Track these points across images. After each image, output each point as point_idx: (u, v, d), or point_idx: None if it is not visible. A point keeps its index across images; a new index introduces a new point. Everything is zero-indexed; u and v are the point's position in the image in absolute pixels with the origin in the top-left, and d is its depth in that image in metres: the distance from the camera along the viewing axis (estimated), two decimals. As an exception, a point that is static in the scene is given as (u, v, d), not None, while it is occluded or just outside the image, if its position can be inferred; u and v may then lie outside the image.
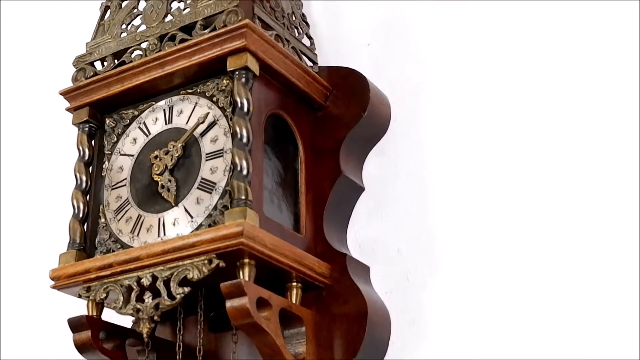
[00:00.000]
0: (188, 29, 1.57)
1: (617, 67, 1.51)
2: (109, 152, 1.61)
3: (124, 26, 1.65)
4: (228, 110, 1.50)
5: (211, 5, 1.55)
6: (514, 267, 1.49)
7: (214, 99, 1.53)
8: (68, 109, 1.65)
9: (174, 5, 1.61)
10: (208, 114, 1.51)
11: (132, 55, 1.61)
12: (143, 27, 1.63)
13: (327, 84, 1.64)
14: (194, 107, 1.55)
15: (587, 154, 1.49)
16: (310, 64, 1.66)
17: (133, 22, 1.65)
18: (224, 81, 1.52)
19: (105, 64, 1.64)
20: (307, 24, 1.70)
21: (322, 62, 1.70)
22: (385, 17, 1.75)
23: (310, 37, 1.69)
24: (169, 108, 1.58)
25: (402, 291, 1.56)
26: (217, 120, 1.51)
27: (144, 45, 1.61)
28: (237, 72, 1.48)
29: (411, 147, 1.64)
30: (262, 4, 1.57)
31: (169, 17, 1.60)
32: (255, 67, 1.49)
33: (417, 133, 1.65)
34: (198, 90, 1.55)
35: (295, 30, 1.65)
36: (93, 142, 1.64)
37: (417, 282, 1.56)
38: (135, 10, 1.66)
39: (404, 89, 1.68)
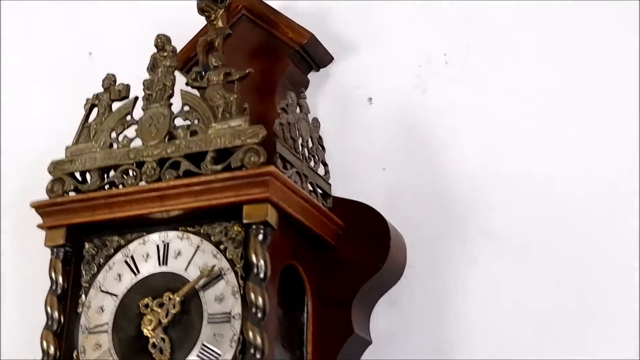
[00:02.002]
0: (195, 157, 1.35)
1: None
2: (87, 285, 1.39)
3: (113, 134, 1.42)
4: (238, 265, 1.30)
5: (225, 136, 1.33)
6: None
7: (221, 246, 1.32)
8: (40, 226, 1.42)
9: (178, 121, 1.39)
10: (214, 267, 1.31)
11: (123, 175, 1.39)
12: (138, 142, 1.40)
13: (340, 222, 1.45)
14: (195, 251, 1.34)
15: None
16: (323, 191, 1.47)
17: (126, 133, 1.42)
18: (235, 228, 1.32)
19: (89, 178, 1.41)
20: (322, 147, 1.50)
21: (333, 182, 1.51)
22: (403, 141, 1.57)
23: (325, 164, 1.49)
24: (164, 245, 1.36)
25: None
26: (224, 274, 1.31)
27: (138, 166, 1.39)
28: (254, 226, 1.28)
29: (425, 300, 1.48)
30: (283, 136, 1.37)
31: (171, 137, 1.38)
32: (275, 220, 1.29)
33: (434, 283, 1.48)
34: (201, 231, 1.34)
35: (312, 159, 1.45)
36: (67, 267, 1.41)
37: None
38: (129, 118, 1.43)
39: (422, 230, 1.51)
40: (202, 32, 1.64)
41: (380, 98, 1.61)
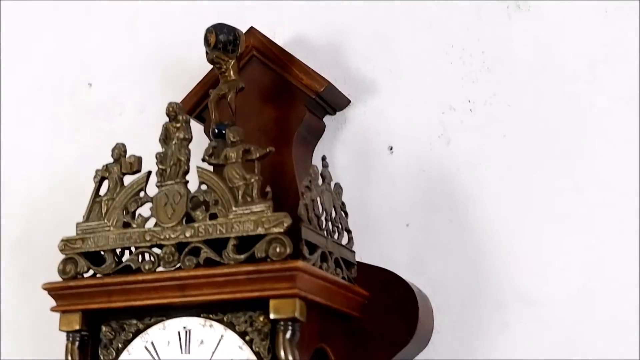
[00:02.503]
0: (215, 243, 1.28)
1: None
2: (107, 370, 1.34)
3: (128, 214, 1.35)
4: (266, 359, 1.25)
5: (248, 223, 1.26)
6: None
7: (247, 337, 1.26)
8: (54, 309, 1.36)
9: (195, 201, 1.32)
10: (242, 364, 1.25)
11: (139, 259, 1.32)
12: (153, 221, 1.33)
13: (365, 292, 1.39)
14: (220, 340, 1.28)
15: None
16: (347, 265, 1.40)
17: (140, 210, 1.35)
18: (260, 319, 1.26)
19: (106, 261, 1.34)
20: (345, 213, 1.43)
21: (354, 237, 1.44)
22: (427, 194, 1.50)
23: (348, 231, 1.42)
24: (186, 332, 1.30)
25: None
26: (250, 368, 1.25)
27: (155, 249, 1.32)
28: (281, 322, 1.22)
29: (455, 372, 1.43)
30: (307, 217, 1.29)
31: (189, 219, 1.30)
32: (303, 314, 1.23)
33: (462, 349, 1.44)
34: (225, 319, 1.28)
35: (336, 229, 1.39)
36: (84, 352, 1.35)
37: None
38: (142, 194, 1.35)
39: (450, 291, 1.46)
40: (211, 76, 1.55)
41: (402, 147, 1.54)
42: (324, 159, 1.39)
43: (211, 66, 1.50)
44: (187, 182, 1.33)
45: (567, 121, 1.45)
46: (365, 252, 1.47)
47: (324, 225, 1.34)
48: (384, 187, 1.53)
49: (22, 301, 1.78)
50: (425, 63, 1.55)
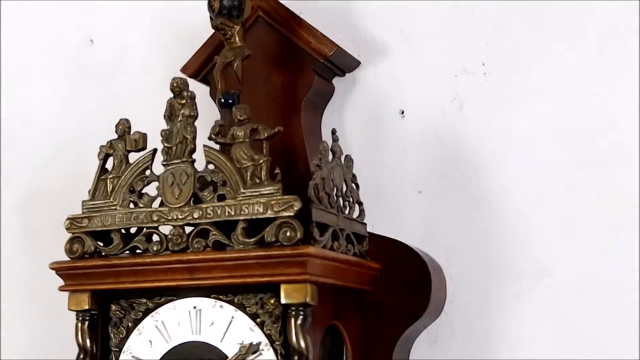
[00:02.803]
0: (225, 226, 1.26)
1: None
2: (117, 349, 1.33)
3: (134, 193, 1.32)
4: (277, 342, 1.23)
5: (257, 205, 1.23)
6: None
7: (258, 320, 1.25)
8: (62, 289, 1.34)
9: (202, 181, 1.28)
10: (252, 344, 1.24)
11: (147, 239, 1.30)
12: (159, 201, 1.30)
13: (377, 265, 1.37)
14: (230, 321, 1.26)
15: None
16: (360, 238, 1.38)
17: (146, 189, 1.32)
18: (272, 301, 1.24)
19: (113, 241, 1.32)
20: (357, 185, 1.39)
21: (365, 205, 1.41)
22: (440, 161, 1.47)
23: (360, 203, 1.39)
24: (197, 312, 1.29)
25: None
26: (262, 350, 1.24)
27: (163, 228, 1.29)
28: (293, 308, 1.20)
29: (466, 339, 1.42)
30: (318, 197, 1.26)
31: (197, 200, 1.28)
32: (314, 298, 1.21)
33: (476, 320, 1.42)
34: (235, 300, 1.26)
35: (347, 203, 1.36)
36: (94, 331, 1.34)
37: None
38: (149, 173, 1.32)
39: (463, 262, 1.43)
40: (216, 37, 1.50)
41: (413, 111, 1.50)
42: (334, 132, 1.35)
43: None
44: (194, 161, 1.29)
45: (587, 89, 1.40)
46: (377, 221, 1.45)
47: (335, 202, 1.31)
48: (395, 153, 1.50)
49: (24, 261, 1.77)
50: (437, 24, 1.50)
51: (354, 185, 1.39)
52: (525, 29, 1.44)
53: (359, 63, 1.53)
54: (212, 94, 1.54)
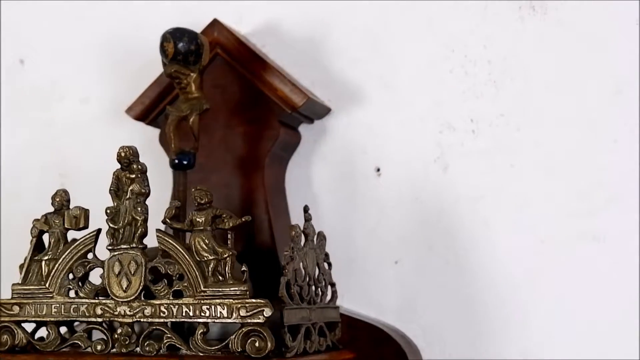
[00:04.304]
0: (180, 326, 1.08)
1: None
2: None
3: (71, 276, 1.13)
4: None
5: (220, 307, 1.05)
6: None
7: None
8: (-12, 387, 1.16)
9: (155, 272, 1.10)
10: None
11: (88, 337, 1.12)
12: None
13: (350, 355, 1.21)
14: None
15: None
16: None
17: (89, 279, 1.13)
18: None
19: (46, 335, 1.13)
20: (329, 265, 1.22)
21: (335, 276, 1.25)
22: (420, 228, 1.31)
23: (332, 285, 1.22)
24: (147, 422, 1.11)
25: None
26: None
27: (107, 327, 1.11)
28: None
29: None
30: (290, 294, 1.09)
31: (148, 294, 1.09)
32: (285, 417, 1.05)
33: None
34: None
35: (320, 290, 1.19)
36: None
37: None
38: (91, 257, 1.13)
39: (447, 348, 1.28)
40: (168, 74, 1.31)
41: (391, 169, 1.33)
42: (306, 210, 1.17)
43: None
44: (145, 247, 1.11)
45: (587, 152, 1.25)
46: (348, 292, 1.29)
47: (307, 294, 1.14)
48: (370, 216, 1.33)
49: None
50: (422, 70, 1.32)
51: (326, 265, 1.22)
52: (520, 85, 1.28)
53: (329, 110, 1.35)
54: (162, 140, 1.36)
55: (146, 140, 1.37)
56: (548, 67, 1.27)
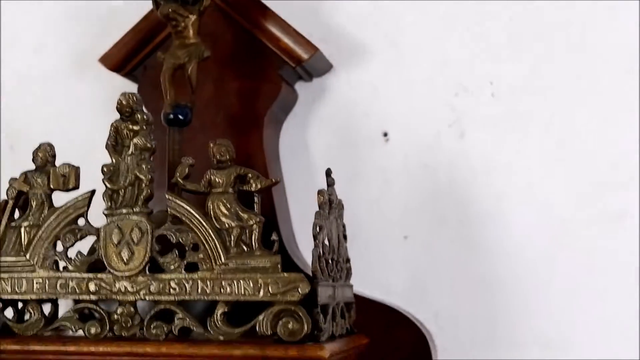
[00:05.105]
0: (195, 305, 0.93)
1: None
2: None
3: (59, 246, 0.95)
4: None
5: (245, 283, 0.90)
6: None
7: None
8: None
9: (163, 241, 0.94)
10: None
11: (80, 319, 0.94)
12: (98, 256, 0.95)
13: (365, 339, 1.08)
14: None
15: None
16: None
17: (79, 245, 0.96)
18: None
19: (27, 315, 0.95)
20: (345, 237, 1.08)
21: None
22: (432, 201, 1.19)
23: (347, 260, 1.08)
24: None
25: None
26: None
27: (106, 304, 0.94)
28: None
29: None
30: (320, 269, 0.95)
31: (156, 267, 0.93)
32: (319, 409, 0.91)
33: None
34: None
35: (341, 267, 1.05)
36: None
37: None
38: (83, 223, 0.95)
39: (457, 329, 1.17)
40: (150, 20, 1.15)
41: (400, 135, 1.20)
42: (328, 173, 1.03)
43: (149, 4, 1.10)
44: (151, 211, 0.95)
45: (614, 117, 1.16)
46: (353, 270, 1.15)
47: (332, 270, 1.00)
48: (375, 186, 1.21)
49: None
50: (435, 28, 1.20)
51: (344, 238, 1.08)
52: (544, 46, 1.18)
53: (331, 66, 1.21)
54: (141, 94, 1.19)
55: (115, 96, 1.20)
56: (569, 23, 1.17)
